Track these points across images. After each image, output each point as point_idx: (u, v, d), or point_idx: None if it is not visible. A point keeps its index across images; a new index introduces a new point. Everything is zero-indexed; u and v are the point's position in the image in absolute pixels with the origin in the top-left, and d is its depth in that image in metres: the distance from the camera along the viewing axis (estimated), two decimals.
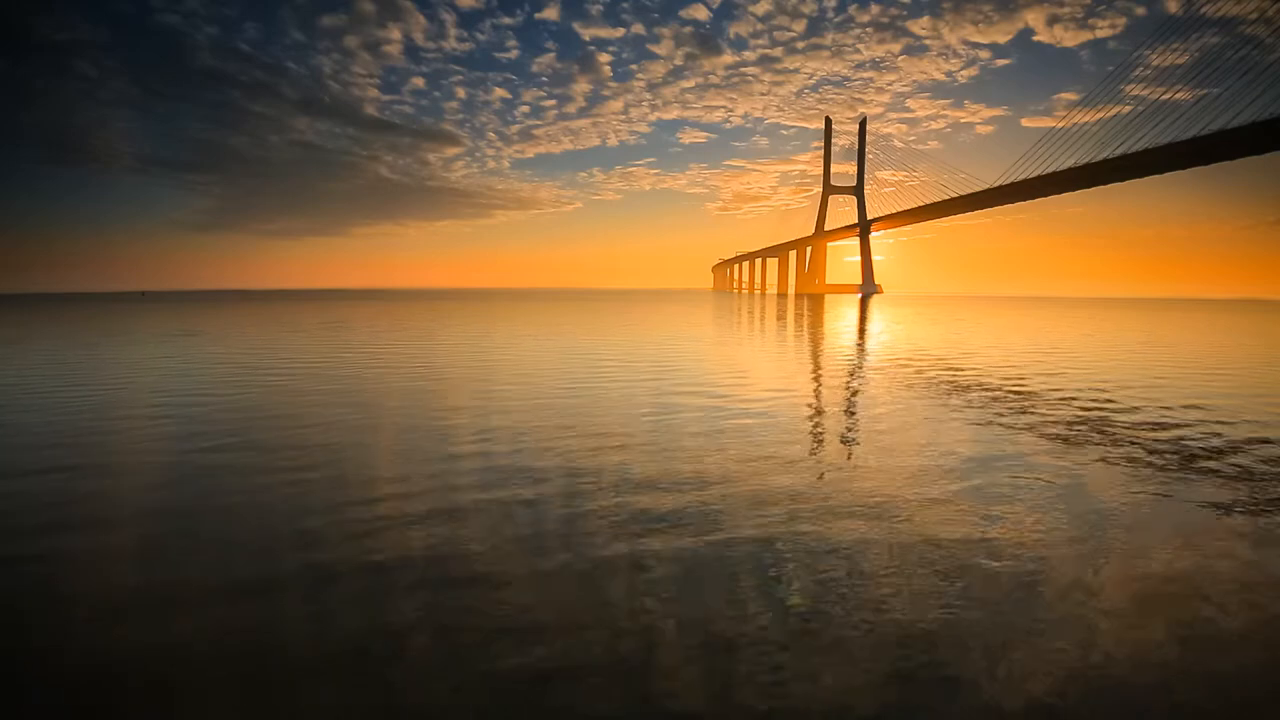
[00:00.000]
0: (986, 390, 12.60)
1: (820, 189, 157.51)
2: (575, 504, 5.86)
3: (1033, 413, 10.43)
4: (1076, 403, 11.31)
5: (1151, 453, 7.75)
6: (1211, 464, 7.23)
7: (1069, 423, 9.59)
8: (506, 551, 4.82)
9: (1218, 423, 9.60)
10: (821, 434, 8.83)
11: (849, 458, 7.58)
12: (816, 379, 14.02)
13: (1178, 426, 9.31)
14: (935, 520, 5.45)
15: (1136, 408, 10.90)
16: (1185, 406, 10.98)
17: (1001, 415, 10.03)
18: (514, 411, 10.21)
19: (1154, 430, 9.07)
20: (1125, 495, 6.10)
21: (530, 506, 5.77)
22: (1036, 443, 8.33)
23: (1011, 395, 12.19)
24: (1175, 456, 7.57)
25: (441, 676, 3.27)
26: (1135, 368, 16.73)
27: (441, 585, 4.25)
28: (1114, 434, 8.84)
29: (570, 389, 12.55)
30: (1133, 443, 8.32)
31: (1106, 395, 12.13)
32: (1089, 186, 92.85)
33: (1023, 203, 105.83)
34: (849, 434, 8.88)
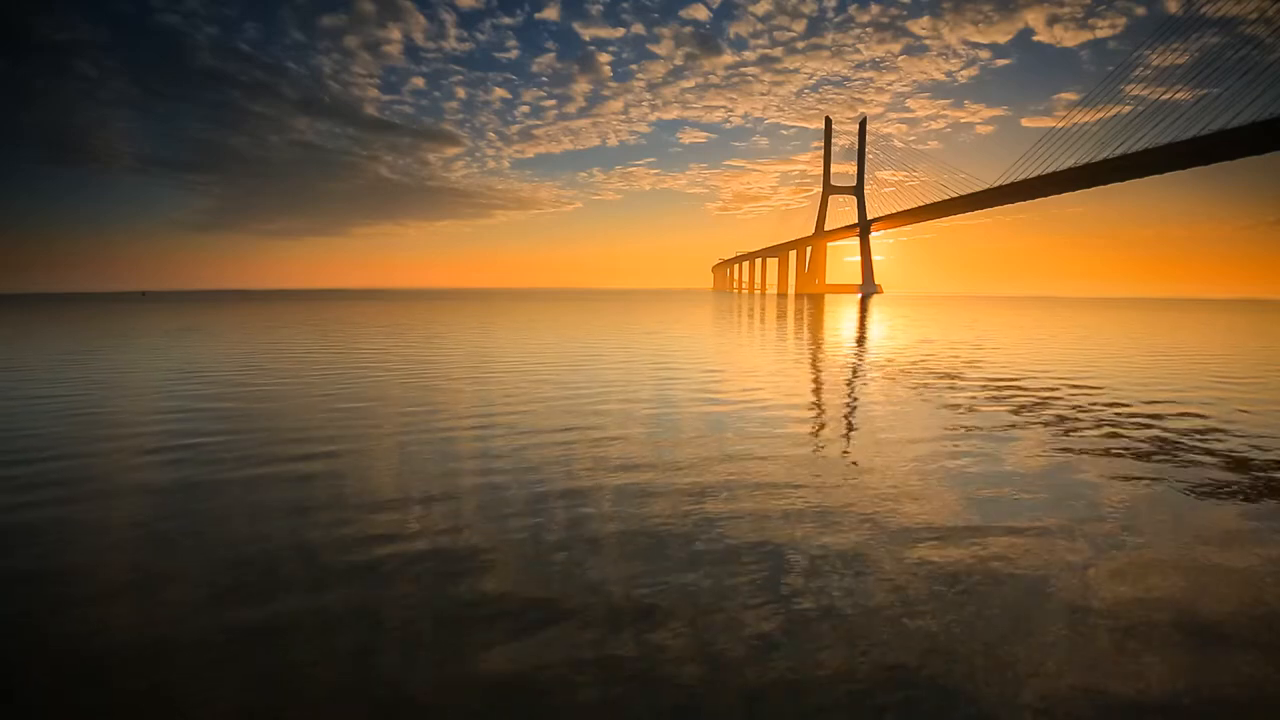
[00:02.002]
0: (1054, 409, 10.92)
1: (820, 189, 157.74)
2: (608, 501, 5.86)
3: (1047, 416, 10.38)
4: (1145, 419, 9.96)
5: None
6: None
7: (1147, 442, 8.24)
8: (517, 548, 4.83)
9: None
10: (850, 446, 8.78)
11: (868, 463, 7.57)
12: (837, 386, 13.43)
13: None
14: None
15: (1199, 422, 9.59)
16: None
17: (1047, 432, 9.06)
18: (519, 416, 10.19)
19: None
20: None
21: (537, 497, 5.82)
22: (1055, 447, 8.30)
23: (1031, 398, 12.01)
24: None
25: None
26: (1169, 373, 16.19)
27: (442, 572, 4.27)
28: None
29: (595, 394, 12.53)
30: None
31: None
32: (1089, 186, 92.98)
33: (1023, 203, 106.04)
34: (867, 440, 8.86)
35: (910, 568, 4.45)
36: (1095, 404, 11.11)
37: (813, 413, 10.18)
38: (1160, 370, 16.01)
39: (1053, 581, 4.22)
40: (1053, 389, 12.77)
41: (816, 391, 12.39)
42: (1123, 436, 8.56)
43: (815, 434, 8.64)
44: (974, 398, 11.64)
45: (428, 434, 8.55)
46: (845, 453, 7.62)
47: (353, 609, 3.94)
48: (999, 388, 12.92)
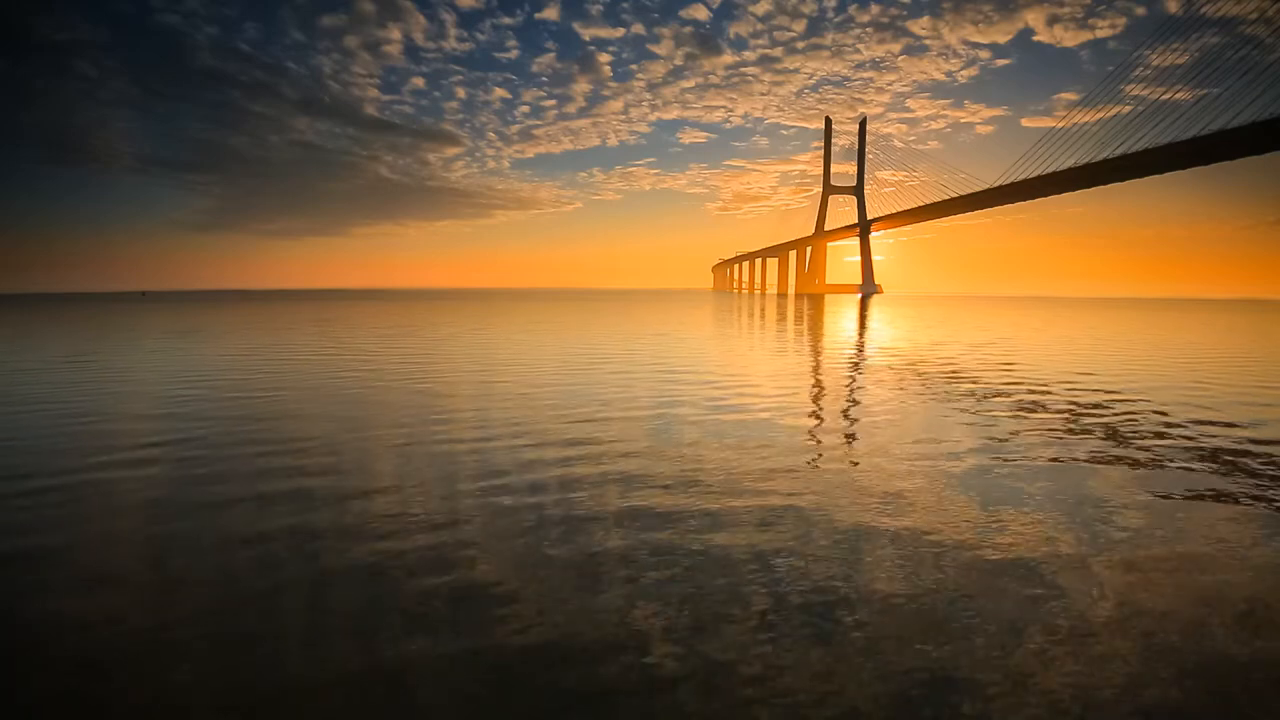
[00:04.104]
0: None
1: (820, 189, 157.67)
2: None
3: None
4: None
5: None
6: None
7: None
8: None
9: None
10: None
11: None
12: (875, 397, 11.77)
13: None
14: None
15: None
16: None
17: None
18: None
19: None
20: None
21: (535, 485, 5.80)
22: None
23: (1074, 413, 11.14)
24: None
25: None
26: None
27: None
28: None
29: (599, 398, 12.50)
30: None
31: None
32: (1089, 186, 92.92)
33: (1023, 203, 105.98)
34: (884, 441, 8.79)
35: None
36: (1160, 423, 9.55)
37: (863, 435, 8.74)
38: (1200, 377, 14.85)
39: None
40: (1100, 404, 11.14)
41: (855, 406, 11.04)
42: (1213, 468, 7.09)
43: (875, 461, 7.34)
44: (1025, 415, 10.02)
45: (445, 462, 7.62)
46: (924, 489, 6.25)
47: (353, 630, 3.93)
48: (1045, 403, 11.25)
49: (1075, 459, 7.43)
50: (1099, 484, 6.46)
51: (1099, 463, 7.28)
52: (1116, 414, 10.26)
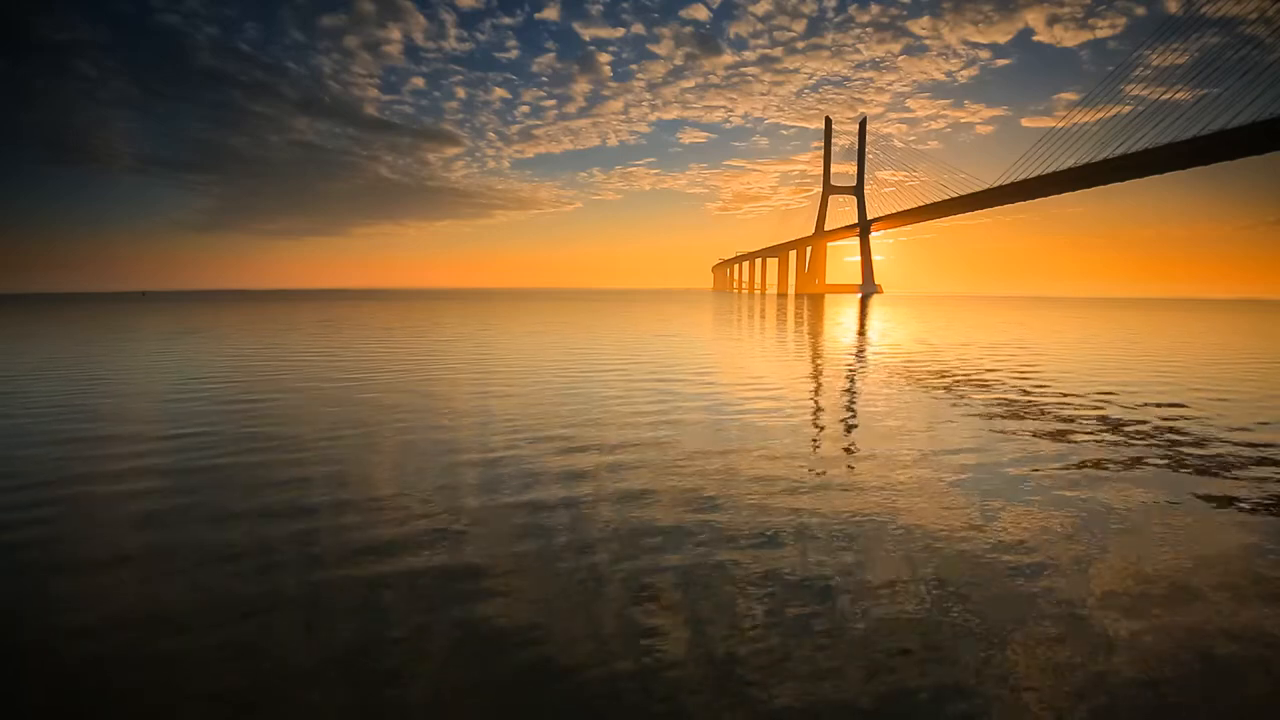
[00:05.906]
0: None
1: (820, 189, 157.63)
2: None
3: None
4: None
5: None
6: None
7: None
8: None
9: None
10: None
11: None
12: (910, 404, 11.13)
13: None
14: None
15: None
16: None
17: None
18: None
19: None
20: None
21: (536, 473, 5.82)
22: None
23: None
24: None
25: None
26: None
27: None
28: None
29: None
30: None
31: None
32: (1089, 186, 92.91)
33: (1023, 203, 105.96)
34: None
35: None
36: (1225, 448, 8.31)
37: (917, 450, 7.99)
38: (1231, 385, 13.96)
39: None
40: (1139, 420, 10.10)
41: (895, 416, 10.23)
42: None
43: (939, 479, 6.71)
44: (1079, 438, 8.78)
45: (452, 471, 7.30)
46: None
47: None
48: (1082, 416, 10.34)
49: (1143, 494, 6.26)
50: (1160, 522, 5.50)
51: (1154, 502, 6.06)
52: (1158, 430, 9.30)
